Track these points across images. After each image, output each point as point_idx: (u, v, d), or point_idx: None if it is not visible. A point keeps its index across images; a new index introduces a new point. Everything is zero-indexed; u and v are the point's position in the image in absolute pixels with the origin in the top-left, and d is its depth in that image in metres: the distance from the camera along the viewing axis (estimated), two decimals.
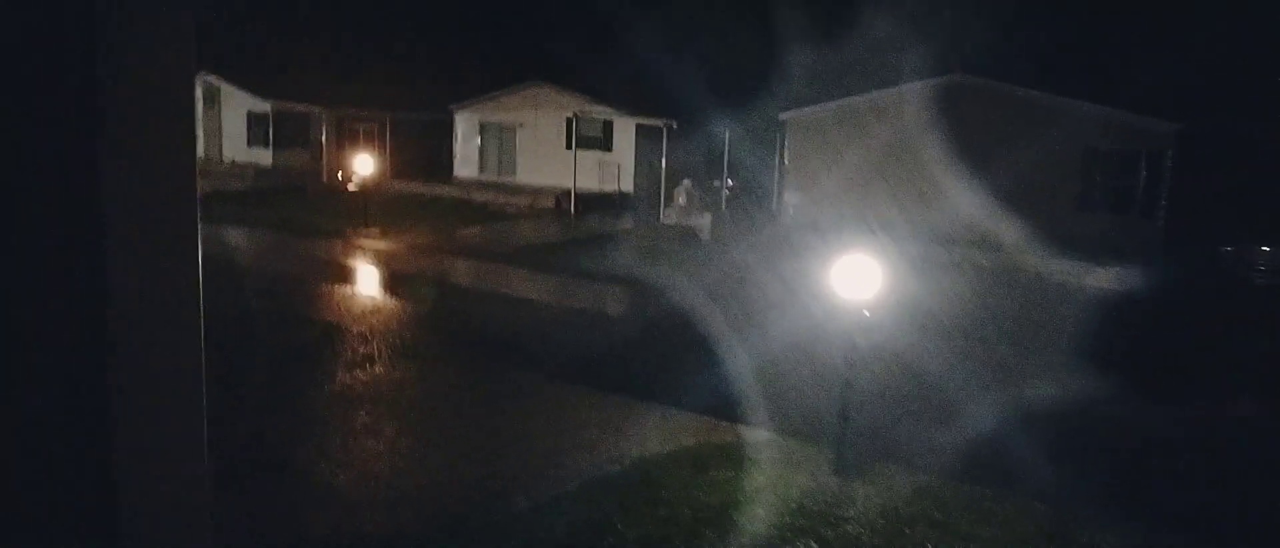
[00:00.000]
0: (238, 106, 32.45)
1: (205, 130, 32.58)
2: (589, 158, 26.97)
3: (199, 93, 30.71)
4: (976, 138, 20.38)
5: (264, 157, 32.16)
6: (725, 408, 9.09)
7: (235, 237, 19.51)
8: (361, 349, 11.16)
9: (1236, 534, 7.05)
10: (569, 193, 25.92)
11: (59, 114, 0.76)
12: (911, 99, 21.39)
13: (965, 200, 19.45)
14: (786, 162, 24.35)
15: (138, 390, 0.82)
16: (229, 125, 32.95)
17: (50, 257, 0.78)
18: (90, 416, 0.81)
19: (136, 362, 0.82)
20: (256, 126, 32.50)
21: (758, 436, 8.51)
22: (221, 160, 32.62)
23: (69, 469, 0.81)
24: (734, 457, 7.90)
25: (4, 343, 0.77)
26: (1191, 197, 19.10)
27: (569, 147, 27.35)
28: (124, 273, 0.80)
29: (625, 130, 27.20)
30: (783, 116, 24.24)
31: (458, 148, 31.37)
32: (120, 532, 0.82)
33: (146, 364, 0.83)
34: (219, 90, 32.36)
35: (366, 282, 16.33)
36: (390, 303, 14.39)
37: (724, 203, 24.79)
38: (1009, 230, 18.98)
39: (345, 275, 16.52)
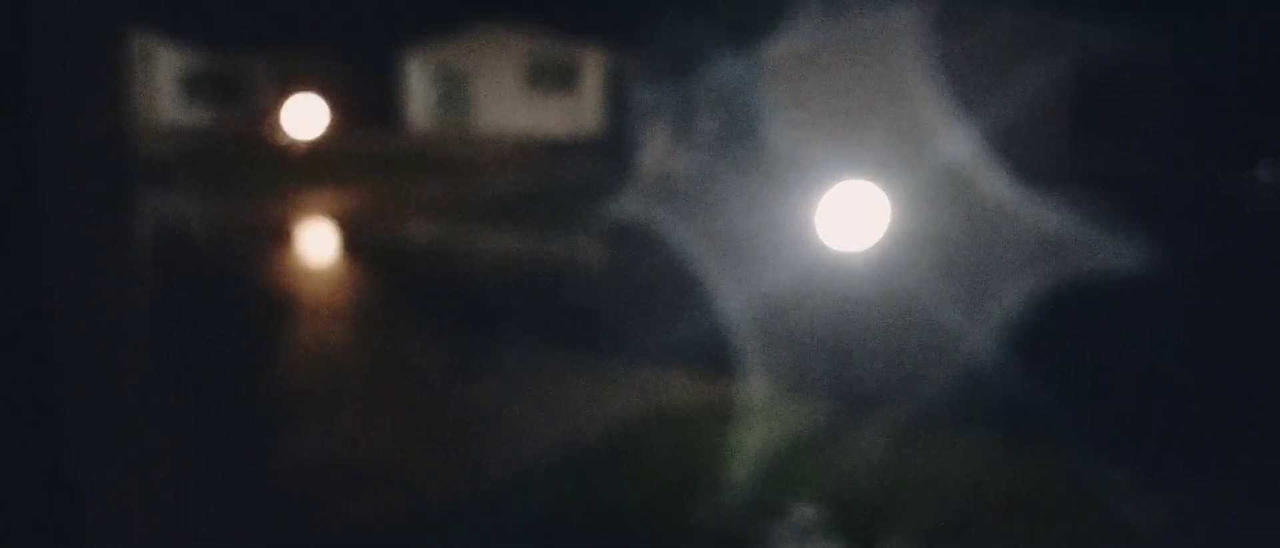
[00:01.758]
0: (168, 61, 31.76)
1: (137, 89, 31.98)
2: (554, 101, 26.71)
3: None
4: (965, 65, 20.31)
5: (200, 115, 31.59)
6: (716, 361, 9.12)
7: (177, 205, 19.20)
8: (320, 321, 11.08)
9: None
10: (532, 139, 25.70)
11: None
12: (899, 30, 21.27)
13: (961, 132, 19.47)
14: (768, 99, 24.21)
15: (92, 390, 0.81)
16: (161, 83, 32.27)
17: None
18: (42, 410, 0.79)
19: (88, 360, 0.80)
20: (190, 83, 31.87)
21: (751, 388, 8.56)
22: (155, 120, 32.02)
23: (27, 466, 0.80)
24: (726, 411, 7.95)
25: None
26: (1192, 123, 19.23)
27: (531, 89, 27.05)
28: (62, 257, 0.77)
29: (594, 69, 26.92)
30: (764, 52, 24.04)
31: (411, 96, 30.95)
32: (85, 522, 0.82)
33: (97, 362, 0.81)
34: (151, 44, 31.62)
35: (320, 246, 16.17)
36: (345, 268, 14.27)
37: (705, 142, 24.66)
38: (1000, 163, 19.06)
39: (298, 241, 16.34)
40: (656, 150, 23.83)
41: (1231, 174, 18.45)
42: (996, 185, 17.17)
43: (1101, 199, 17.68)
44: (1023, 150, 19.40)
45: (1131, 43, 20.01)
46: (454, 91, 30.06)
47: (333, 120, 27.28)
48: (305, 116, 21.82)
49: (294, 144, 23.24)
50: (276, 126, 28.52)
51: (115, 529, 0.84)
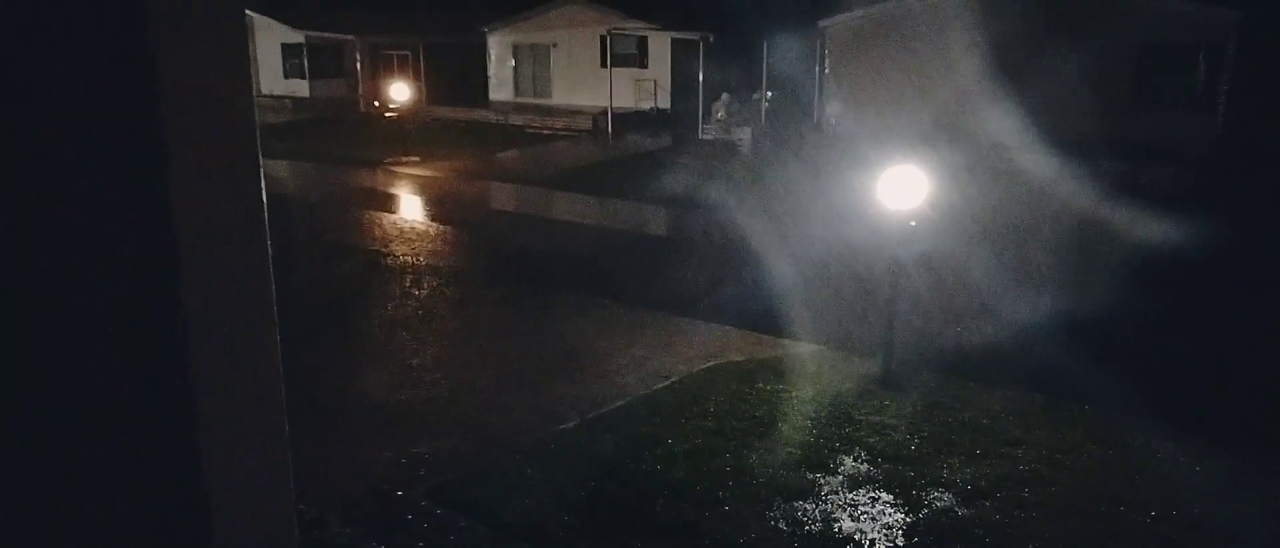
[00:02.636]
0: (272, 38, 32.48)
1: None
2: (625, 75, 26.62)
3: None
4: (1025, 38, 19.68)
5: (301, 88, 32.29)
6: (771, 322, 9.14)
7: (279, 169, 19.76)
8: (409, 276, 11.36)
9: None
10: (606, 112, 25.69)
11: (111, 54, 0.76)
12: (955, 1, 20.67)
13: (1013, 105, 18.92)
14: (827, 71, 23.81)
15: (214, 341, 0.83)
16: (264, 57, 33.05)
17: (115, 201, 0.78)
18: (169, 385, 0.81)
19: (210, 314, 0.82)
20: (292, 58, 32.56)
21: (804, 348, 8.56)
22: (259, 93, 32.83)
23: (152, 441, 0.82)
24: (781, 370, 7.98)
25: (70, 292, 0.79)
26: (1254, 90, 18.34)
27: (604, 65, 26.99)
28: (189, 213, 0.80)
29: (661, 46, 26.73)
30: (822, 24, 23.59)
31: (492, 71, 31.16)
32: (208, 505, 0.84)
33: (220, 316, 0.83)
34: (253, 22, 32.36)
35: (409, 208, 16.51)
36: (433, 228, 14.56)
37: (764, 116, 24.39)
38: (1061, 134, 18.48)
39: (388, 203, 16.71)
40: (719, 122, 23.67)
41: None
42: (1043, 159, 16.67)
43: (1158, 169, 17.05)
44: (1078, 120, 18.79)
45: (1192, 11, 19.11)
46: (533, 66, 30.19)
47: (420, 94, 27.65)
48: (399, 92, 22.21)
49: (387, 114, 23.71)
50: (372, 99, 29.03)
51: (236, 530, 0.86)
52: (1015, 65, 19.04)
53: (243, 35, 0.84)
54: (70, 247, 0.78)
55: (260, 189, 0.85)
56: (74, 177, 0.77)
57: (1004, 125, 18.71)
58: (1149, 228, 12.53)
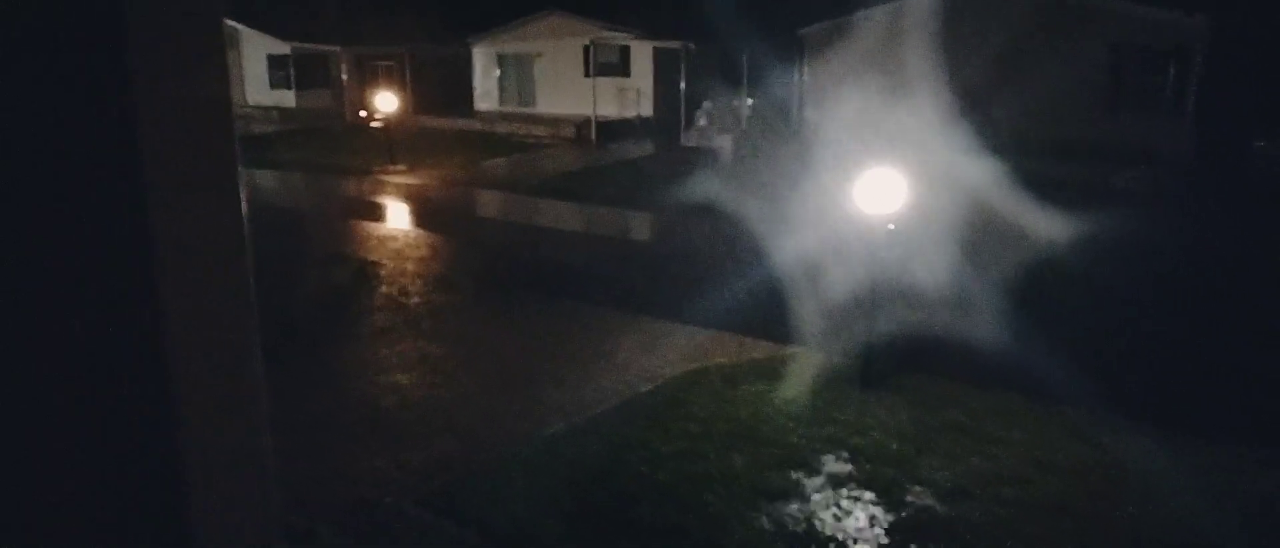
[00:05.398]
0: (258, 49, 32.33)
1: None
2: (608, 84, 26.66)
3: None
4: (1000, 43, 19.83)
5: (287, 98, 32.14)
6: (754, 325, 9.16)
7: (265, 178, 19.64)
8: (395, 284, 11.31)
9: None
10: (589, 121, 25.71)
11: (90, 61, 0.76)
12: (932, 7, 20.81)
13: (990, 109, 19.07)
14: (806, 78, 23.92)
15: (194, 348, 0.83)
16: (250, 68, 32.88)
17: (93, 210, 0.78)
18: (150, 385, 0.81)
19: (190, 321, 0.82)
20: (277, 68, 32.41)
21: (786, 351, 8.58)
22: (245, 103, 32.65)
23: (134, 435, 0.82)
24: (764, 372, 7.99)
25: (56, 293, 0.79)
26: (1223, 93, 18.55)
27: (587, 74, 27.01)
28: (167, 221, 0.79)
29: (643, 55, 26.78)
30: (801, 32, 23.72)
31: (477, 80, 31.11)
32: (189, 506, 0.84)
33: (200, 323, 0.83)
34: (238, 33, 32.20)
35: (396, 216, 16.45)
36: (420, 236, 14.51)
37: (745, 122, 24.47)
38: (1035, 137, 18.63)
39: (374, 212, 16.64)
40: (701, 129, 23.72)
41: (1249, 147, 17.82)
42: (1016, 162, 16.79)
43: (1132, 172, 17.22)
44: (1055, 125, 18.96)
45: (1163, 17, 19.31)
46: (517, 76, 30.17)
47: (406, 104, 27.57)
48: (384, 102, 22.16)
49: (373, 124, 23.69)
50: (358, 109, 28.92)
51: (217, 531, 0.86)
52: (992, 70, 19.19)
53: (221, 44, 0.83)
54: (49, 255, 0.77)
55: (239, 197, 0.85)
56: (53, 185, 0.77)
57: (984, 128, 18.84)
58: (1122, 229, 12.65)
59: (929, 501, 5.83)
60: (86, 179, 0.77)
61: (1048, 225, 12.66)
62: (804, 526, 5.57)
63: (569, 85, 28.47)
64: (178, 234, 0.80)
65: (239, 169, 0.85)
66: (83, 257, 0.78)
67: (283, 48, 31.76)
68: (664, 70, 26.09)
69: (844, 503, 5.83)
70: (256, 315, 0.88)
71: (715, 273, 11.24)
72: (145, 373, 0.81)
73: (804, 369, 8.04)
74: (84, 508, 0.82)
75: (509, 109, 29.85)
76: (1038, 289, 10.26)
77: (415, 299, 10.67)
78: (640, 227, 15.32)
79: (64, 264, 0.78)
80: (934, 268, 10.34)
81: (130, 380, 0.81)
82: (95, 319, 0.79)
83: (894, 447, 6.53)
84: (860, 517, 5.68)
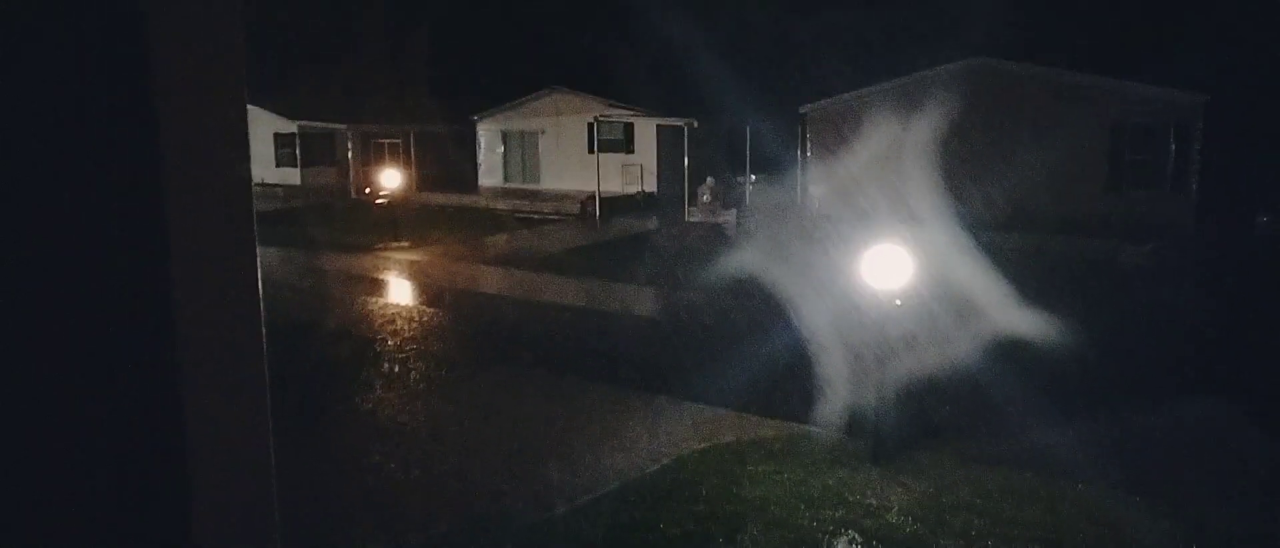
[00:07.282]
0: (264, 128, 32.89)
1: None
2: (612, 160, 27.00)
3: None
4: (1001, 121, 20.16)
5: (293, 175, 32.58)
6: (761, 403, 9.07)
7: (270, 256, 19.74)
8: (398, 359, 11.26)
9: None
10: (593, 197, 25.96)
11: (117, 128, 0.77)
12: (932, 85, 21.21)
13: (992, 185, 19.25)
14: (809, 154, 24.23)
15: (206, 400, 0.83)
16: (257, 147, 33.10)
17: (117, 276, 0.79)
18: (162, 427, 0.82)
19: (204, 372, 0.83)
20: (284, 147, 32.94)
21: (795, 429, 8.48)
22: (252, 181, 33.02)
23: (141, 477, 0.82)
24: (772, 451, 7.88)
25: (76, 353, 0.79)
26: (1224, 168, 18.76)
27: (591, 151, 27.39)
28: (187, 290, 0.81)
29: (646, 131, 27.22)
30: (803, 109, 24.13)
31: (481, 157, 31.56)
32: (192, 506, 0.83)
33: (213, 377, 0.84)
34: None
35: (399, 292, 16.47)
36: (424, 312, 14.50)
37: (748, 198, 24.70)
38: (1038, 213, 18.76)
39: (379, 288, 16.68)
40: (704, 205, 23.92)
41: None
42: (1021, 238, 16.88)
43: (1137, 247, 17.27)
44: (1057, 201, 19.10)
45: (1161, 94, 19.64)
46: (522, 153, 30.62)
47: (411, 180, 27.93)
48: (389, 179, 22.50)
49: (378, 200, 23.96)
50: (363, 187, 29.28)
51: (218, 532, 0.85)
52: (994, 147, 19.44)
53: (242, 103, 0.86)
54: (64, 261, 0.78)
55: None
56: (76, 238, 0.78)
57: (986, 203, 18.99)
58: (1131, 302, 12.62)
59: None
60: (109, 224, 0.79)
61: (1053, 300, 12.64)
62: None
63: (573, 161, 28.86)
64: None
65: (255, 237, 0.87)
66: (96, 257, 0.80)
67: (289, 126, 32.34)
68: (667, 147, 26.46)
69: None
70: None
71: (723, 350, 11.18)
72: (153, 372, 0.81)
73: (814, 447, 7.93)
74: (85, 508, 0.82)
75: (513, 185, 30.21)
76: (1047, 364, 10.18)
77: (415, 375, 10.61)
78: (643, 303, 15.32)
79: (77, 266, 0.79)
80: (942, 343, 10.28)
81: (137, 379, 0.82)
82: (105, 318, 0.80)
83: (908, 528, 6.39)
84: None
